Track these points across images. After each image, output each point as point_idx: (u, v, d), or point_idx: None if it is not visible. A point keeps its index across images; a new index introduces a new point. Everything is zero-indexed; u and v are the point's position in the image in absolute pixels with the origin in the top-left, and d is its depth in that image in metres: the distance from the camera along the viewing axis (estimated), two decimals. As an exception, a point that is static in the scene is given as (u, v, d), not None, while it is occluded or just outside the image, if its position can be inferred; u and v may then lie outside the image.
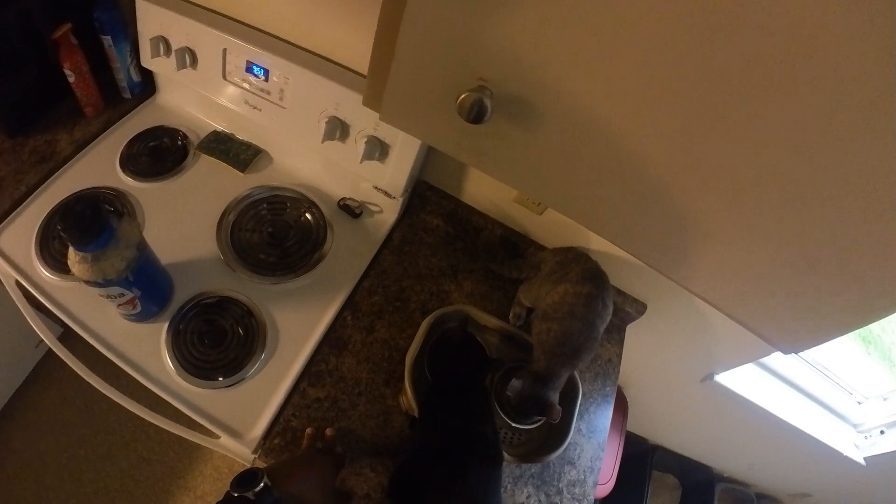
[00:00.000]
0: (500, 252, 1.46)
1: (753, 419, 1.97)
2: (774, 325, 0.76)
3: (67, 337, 1.27)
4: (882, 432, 2.10)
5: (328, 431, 1.13)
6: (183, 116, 1.51)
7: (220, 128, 1.47)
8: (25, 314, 1.24)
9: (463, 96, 0.55)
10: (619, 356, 1.52)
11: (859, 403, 2.13)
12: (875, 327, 2.02)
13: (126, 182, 1.36)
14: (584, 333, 1.13)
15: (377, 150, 1.26)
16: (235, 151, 1.43)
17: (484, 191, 1.45)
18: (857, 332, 1.93)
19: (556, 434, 1.24)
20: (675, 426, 2.42)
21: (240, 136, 1.46)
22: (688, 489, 2.74)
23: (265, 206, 1.39)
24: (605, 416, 1.42)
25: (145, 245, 1.07)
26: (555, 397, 1.14)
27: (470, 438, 1.01)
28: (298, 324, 1.25)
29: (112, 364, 1.16)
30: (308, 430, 1.13)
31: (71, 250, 0.96)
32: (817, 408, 2.09)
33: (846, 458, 2.06)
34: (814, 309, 0.69)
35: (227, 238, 1.31)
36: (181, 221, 1.32)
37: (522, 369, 1.16)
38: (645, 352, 1.78)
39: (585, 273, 1.18)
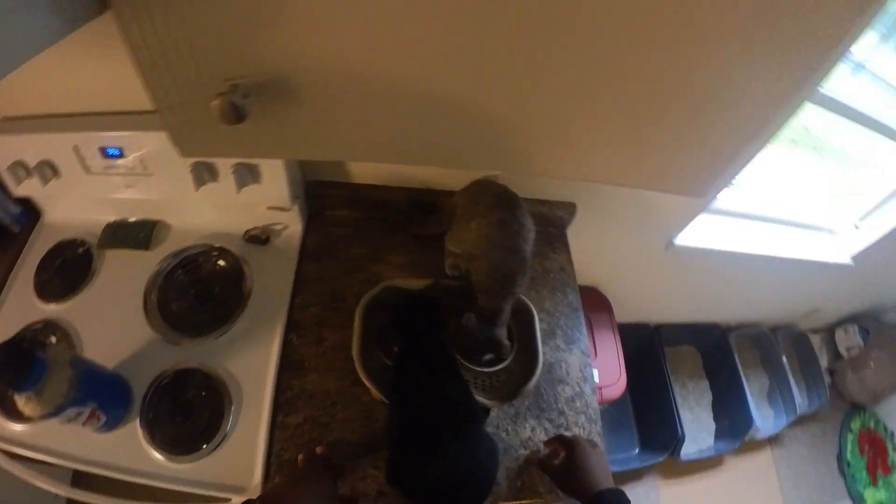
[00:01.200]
0: (415, 214, 1.45)
1: (733, 264, 2.00)
2: (666, 177, 0.78)
3: (79, 476, 1.24)
4: (857, 227, 2.13)
5: (318, 450, 1.12)
6: (74, 224, 1.45)
7: (110, 219, 1.44)
8: (27, 476, 1.20)
9: (213, 104, 0.53)
10: (570, 261, 1.52)
11: (826, 209, 2.16)
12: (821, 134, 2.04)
13: (49, 309, 1.32)
14: (509, 259, 1.11)
15: (247, 173, 1.24)
16: (133, 234, 1.40)
17: (369, 165, 1.41)
18: (807, 144, 1.98)
19: (531, 363, 1.24)
20: (663, 300, 2.45)
21: (131, 219, 1.43)
22: (705, 351, 2.79)
23: (180, 271, 1.36)
24: (578, 323, 1.42)
25: (80, 360, 1.06)
26: (501, 333, 1.13)
27: (435, 406, 1.01)
28: (253, 365, 1.23)
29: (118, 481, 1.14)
30: (300, 457, 1.13)
31: (16, 397, 0.97)
32: (792, 229, 2.12)
33: (834, 265, 2.10)
34: (687, 150, 0.70)
35: (158, 317, 1.29)
36: (111, 322, 1.29)
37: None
38: (599, 245, 1.78)
39: (492, 200, 1.16)
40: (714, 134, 0.68)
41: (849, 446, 2.92)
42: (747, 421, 2.48)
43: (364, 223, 1.50)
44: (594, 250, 1.74)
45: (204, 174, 1.23)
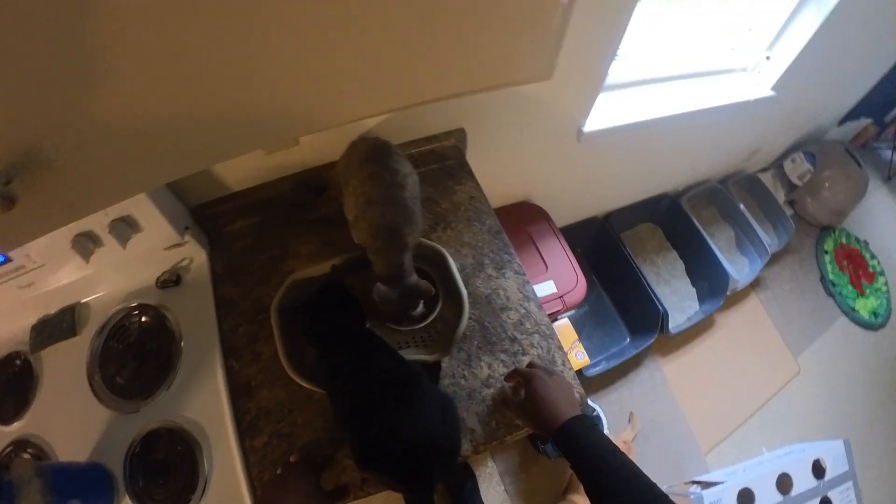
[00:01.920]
0: (307, 199, 1.39)
1: (657, 132, 1.96)
2: (484, 72, 0.76)
3: None
4: (768, 58, 2.08)
5: (291, 459, 1.09)
6: (3, 340, 1.40)
7: (33, 321, 1.39)
8: None
9: None
10: (478, 188, 1.47)
11: (732, 49, 2.11)
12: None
13: (14, 429, 1.29)
14: (388, 212, 1.06)
15: (124, 227, 1.20)
16: (58, 326, 1.36)
17: (239, 169, 1.34)
18: None
19: (458, 305, 1.20)
20: (599, 189, 2.39)
21: (52, 312, 1.39)
22: (663, 222, 2.78)
23: (112, 343, 1.32)
24: (503, 246, 1.38)
25: (46, 467, 1.05)
26: (412, 281, 1.09)
27: (368, 383, 0.98)
28: (207, 405, 1.21)
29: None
30: (278, 472, 1.11)
31: None
32: (705, 79, 2.07)
33: (757, 100, 2.06)
34: (495, 34, 0.68)
35: (108, 395, 1.26)
36: (71, 417, 1.26)
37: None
38: (508, 158, 1.73)
39: (360, 155, 1.10)
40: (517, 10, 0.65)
41: (828, 267, 2.97)
42: (723, 276, 2.49)
43: (262, 227, 1.43)
44: (505, 166, 1.69)
45: (87, 245, 1.18)
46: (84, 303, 1.38)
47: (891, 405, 2.76)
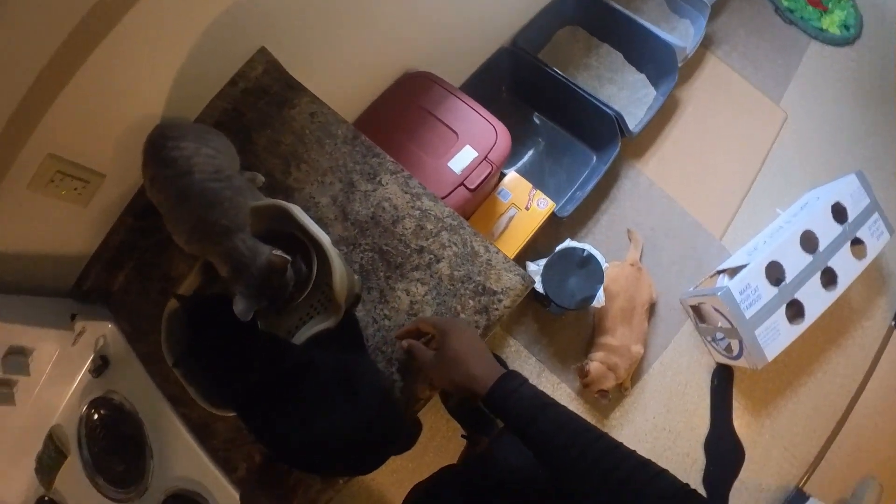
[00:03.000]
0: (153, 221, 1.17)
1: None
2: None
3: None
4: None
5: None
6: (30, 499, 1.37)
7: (31, 468, 1.35)
8: None
9: None
10: (315, 99, 1.19)
11: None
12: None
13: None
14: (185, 209, 0.88)
15: (18, 356, 1.16)
16: (49, 457, 1.34)
17: (75, 235, 1.18)
18: None
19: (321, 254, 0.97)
20: (479, 16, 1.95)
21: (40, 449, 1.35)
22: (582, 21, 2.45)
23: (94, 447, 1.29)
24: (366, 150, 1.14)
25: None
26: (261, 260, 0.88)
27: (257, 386, 0.84)
28: (188, 458, 1.16)
29: None
30: None
31: None
32: None
33: None
34: None
35: (116, 491, 1.25)
36: None
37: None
38: (339, 42, 1.40)
39: (142, 161, 0.93)
40: None
41: None
42: (667, 49, 2.21)
43: (139, 267, 1.26)
44: (343, 52, 1.39)
45: (1, 391, 1.19)
46: (55, 424, 1.35)
47: (891, 117, 2.57)
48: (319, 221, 1.04)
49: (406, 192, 1.09)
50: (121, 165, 1.08)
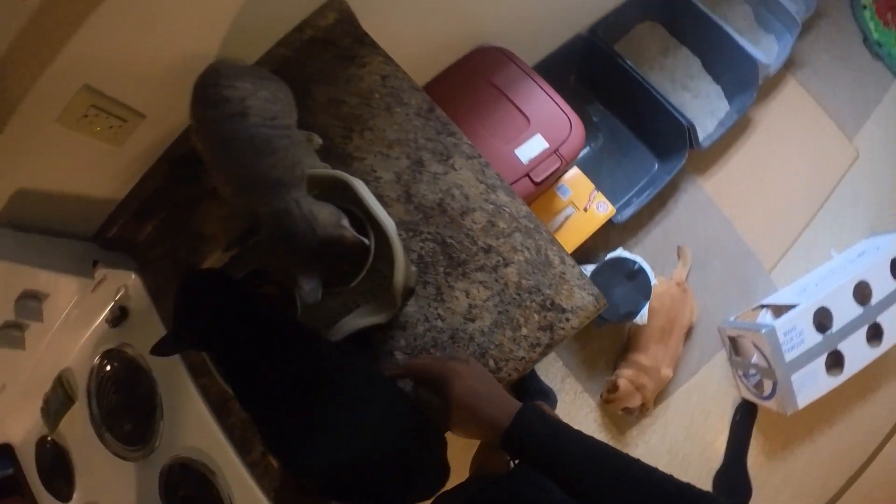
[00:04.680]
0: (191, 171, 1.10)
1: None
2: None
3: None
4: None
5: None
6: (31, 436, 1.37)
7: (38, 405, 1.34)
8: None
9: None
10: (388, 61, 1.07)
11: None
12: None
13: None
14: (232, 155, 0.77)
15: (30, 303, 1.12)
16: (57, 400, 1.33)
17: (106, 177, 1.08)
18: None
19: (385, 250, 0.86)
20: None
21: (48, 389, 1.34)
22: (663, 16, 2.31)
23: (103, 399, 1.27)
24: (441, 126, 1.03)
25: None
26: (323, 230, 0.77)
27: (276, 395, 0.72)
28: (200, 429, 1.12)
29: None
30: None
31: None
32: None
33: None
34: None
35: (122, 448, 1.23)
36: (106, 480, 1.25)
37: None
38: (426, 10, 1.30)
39: (192, 98, 0.80)
40: None
41: (870, 25, 2.48)
42: (750, 63, 2.06)
43: (169, 221, 1.18)
44: (425, 12, 1.28)
45: (11, 334, 1.16)
46: (66, 368, 1.33)
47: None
48: (379, 199, 0.92)
49: (481, 182, 0.98)
50: (163, 107, 0.98)
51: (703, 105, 2.22)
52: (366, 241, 0.82)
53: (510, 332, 0.92)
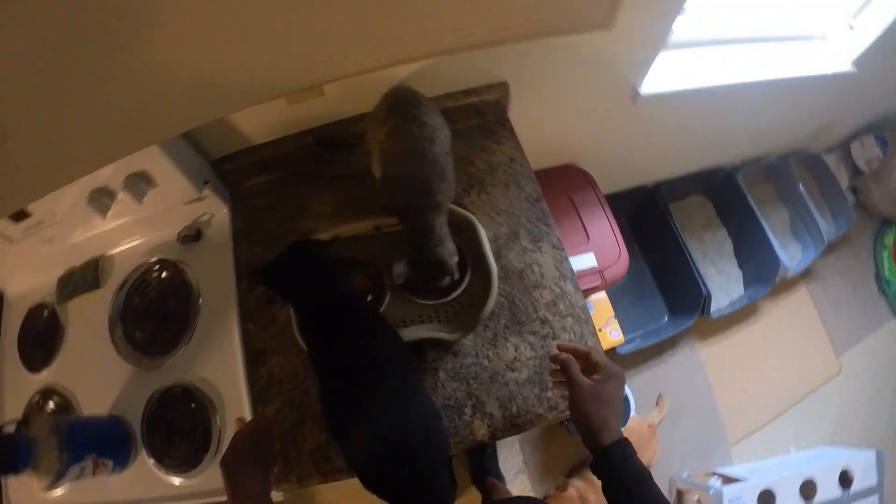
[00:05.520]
0: (326, 155, 1.31)
1: (718, 100, 1.78)
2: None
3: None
4: (851, 27, 1.84)
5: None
6: (33, 291, 1.46)
7: (60, 273, 1.43)
8: None
9: None
10: (519, 148, 1.33)
11: (813, 13, 1.85)
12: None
13: (42, 378, 1.35)
14: (415, 166, 0.96)
15: (141, 182, 1.20)
16: (83, 279, 1.40)
17: (260, 119, 1.26)
18: None
19: (486, 280, 1.07)
20: (651, 156, 2.21)
21: (77, 265, 1.42)
22: (714, 197, 2.60)
23: (133, 297, 1.36)
24: (542, 216, 1.25)
25: (62, 423, 1.09)
26: (442, 253, 0.97)
27: (348, 369, 0.87)
28: (223, 366, 1.21)
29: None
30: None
31: (27, 478, 1.04)
32: (777, 45, 1.85)
33: (834, 75, 1.84)
34: None
35: (129, 349, 1.30)
36: (93, 368, 1.31)
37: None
38: (555, 118, 1.58)
39: (384, 109, 1.01)
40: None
41: (885, 263, 2.75)
42: (774, 262, 2.31)
43: (282, 184, 1.36)
44: (551, 125, 1.54)
45: (102, 199, 1.21)
46: (108, 256, 1.41)
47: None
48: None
49: (557, 269, 1.20)
50: (339, 96, 1.20)
51: (722, 283, 2.47)
52: (456, 276, 1.03)
53: (538, 391, 1.10)
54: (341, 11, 0.55)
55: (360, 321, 0.93)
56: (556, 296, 1.17)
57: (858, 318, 2.68)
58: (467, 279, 1.09)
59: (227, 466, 0.87)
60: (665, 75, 1.58)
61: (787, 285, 2.64)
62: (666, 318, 2.40)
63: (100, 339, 1.32)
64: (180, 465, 1.17)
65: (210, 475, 1.15)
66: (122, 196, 1.21)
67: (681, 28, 1.54)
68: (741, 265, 2.53)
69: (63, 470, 1.05)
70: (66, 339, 1.37)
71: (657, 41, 1.39)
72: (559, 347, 0.91)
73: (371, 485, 0.83)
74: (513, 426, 1.07)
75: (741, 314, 2.52)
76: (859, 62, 1.82)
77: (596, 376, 0.86)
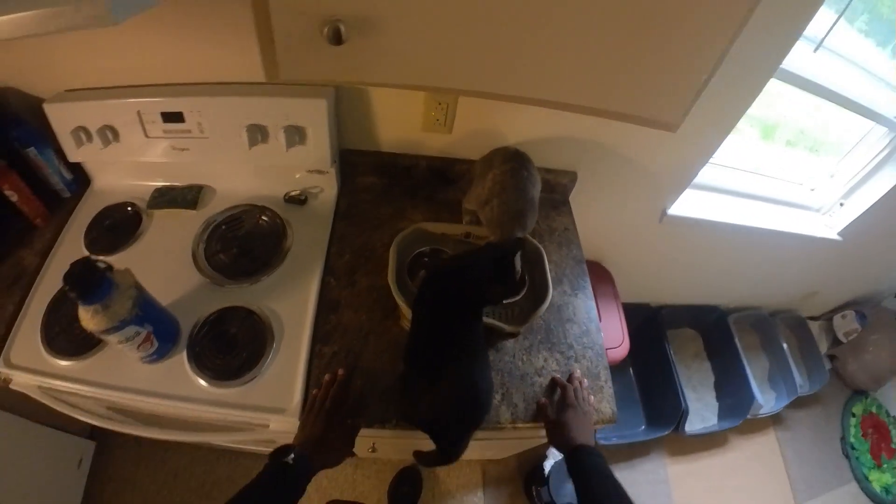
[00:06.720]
0: (435, 182, 1.65)
1: (725, 237, 2.15)
2: (639, 102, 0.88)
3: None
4: (842, 204, 2.27)
5: (340, 372, 1.24)
6: (123, 191, 1.56)
7: (159, 184, 1.56)
8: (62, 409, 1.30)
9: (325, 29, 0.73)
10: (573, 223, 1.70)
11: (812, 190, 2.31)
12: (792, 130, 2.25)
13: (105, 258, 1.32)
14: (519, 199, 1.28)
15: (296, 135, 1.39)
16: (181, 196, 1.53)
17: (395, 131, 1.57)
18: (781, 138, 2.14)
19: (540, 295, 1.39)
20: (662, 276, 2.57)
21: (179, 184, 1.57)
22: (706, 333, 2.93)
23: (224, 227, 1.49)
24: (582, 273, 1.59)
25: (142, 287, 1.14)
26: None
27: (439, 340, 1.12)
28: (293, 304, 1.37)
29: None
30: (326, 377, 1.24)
31: (82, 310, 1.04)
32: (778, 207, 2.26)
33: (822, 239, 2.23)
34: (654, 69, 0.82)
35: (205, 264, 1.41)
36: (162, 270, 1.38)
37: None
38: (599, 216, 1.95)
39: (505, 156, 1.35)
40: (682, 55, 0.79)
41: (852, 430, 2.98)
42: (749, 400, 2.58)
43: (388, 189, 1.69)
44: (595, 222, 1.90)
45: (257, 135, 1.37)
46: (213, 188, 1.57)
47: None
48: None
49: (587, 313, 1.51)
50: (465, 136, 1.58)
51: (698, 409, 2.73)
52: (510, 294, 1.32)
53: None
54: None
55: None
56: (583, 332, 1.47)
57: (820, 473, 2.83)
58: (524, 291, 1.39)
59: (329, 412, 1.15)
60: (688, 206, 1.98)
61: (758, 425, 2.86)
62: (643, 427, 2.63)
63: (178, 248, 1.43)
64: (217, 374, 1.23)
65: (244, 392, 1.23)
66: (274, 140, 1.37)
67: (706, 174, 1.94)
68: (719, 398, 2.79)
69: (126, 322, 1.08)
70: (142, 237, 1.46)
71: (687, 176, 1.80)
72: (555, 380, 1.34)
73: (437, 416, 1.06)
74: (531, 420, 1.31)
75: (711, 440, 2.74)
76: (845, 233, 2.22)
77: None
